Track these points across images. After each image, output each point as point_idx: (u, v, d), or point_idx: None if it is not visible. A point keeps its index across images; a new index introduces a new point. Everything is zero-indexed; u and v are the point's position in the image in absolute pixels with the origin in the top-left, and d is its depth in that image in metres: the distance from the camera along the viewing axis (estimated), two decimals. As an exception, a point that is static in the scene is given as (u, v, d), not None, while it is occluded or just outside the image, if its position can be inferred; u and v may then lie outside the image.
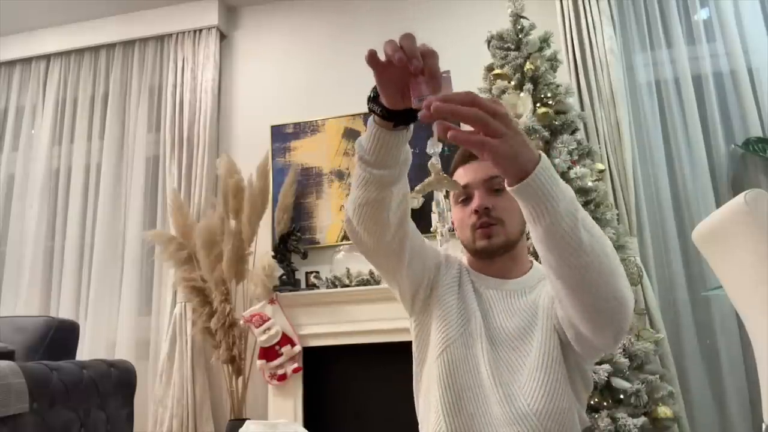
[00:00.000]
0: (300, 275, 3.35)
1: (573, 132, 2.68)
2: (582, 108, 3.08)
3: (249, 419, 3.11)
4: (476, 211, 1.14)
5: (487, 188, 1.16)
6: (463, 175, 1.18)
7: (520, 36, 2.82)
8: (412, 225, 1.11)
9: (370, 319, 2.99)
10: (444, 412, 1.06)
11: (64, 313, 3.58)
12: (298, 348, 3.08)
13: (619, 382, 2.15)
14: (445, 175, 0.89)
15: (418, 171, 3.71)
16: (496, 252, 1.16)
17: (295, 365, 3.08)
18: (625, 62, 3.23)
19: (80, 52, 4.08)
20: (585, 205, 2.51)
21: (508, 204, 1.14)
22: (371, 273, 3.12)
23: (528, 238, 1.09)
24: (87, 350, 3.44)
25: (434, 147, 0.85)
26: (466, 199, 1.18)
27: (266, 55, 3.87)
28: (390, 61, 0.79)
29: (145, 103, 3.89)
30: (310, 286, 3.28)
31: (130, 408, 2.46)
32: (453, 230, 1.26)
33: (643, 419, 2.09)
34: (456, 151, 1.23)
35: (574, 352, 1.06)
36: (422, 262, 1.16)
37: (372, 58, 0.83)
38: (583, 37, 3.18)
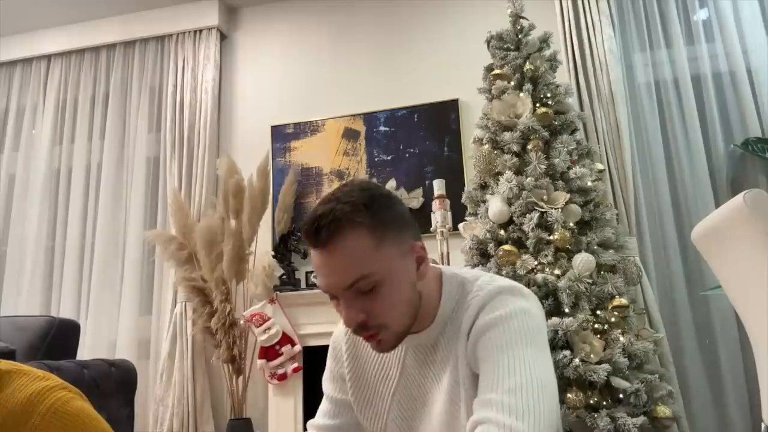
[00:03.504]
0: (300, 275, 3.36)
1: (572, 132, 2.69)
2: (581, 108, 3.08)
3: (249, 418, 3.13)
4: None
5: (354, 293, 0.90)
6: (316, 265, 0.92)
7: (519, 36, 2.83)
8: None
9: (370, 319, 2.99)
10: None
11: (65, 312, 3.59)
12: (298, 347, 3.09)
13: (618, 382, 2.15)
14: None
15: (417, 170, 3.71)
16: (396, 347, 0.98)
17: (296, 365, 3.08)
18: (624, 62, 3.24)
19: (81, 52, 4.09)
20: (584, 205, 2.51)
21: (385, 300, 0.91)
22: (371, 273, 3.12)
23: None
24: (88, 350, 3.45)
25: None
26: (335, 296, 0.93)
27: (266, 55, 3.88)
28: None
29: (145, 103, 3.90)
30: (311, 285, 3.29)
31: (131, 407, 2.46)
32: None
33: (642, 419, 2.09)
34: None
35: None
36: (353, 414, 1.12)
37: None
38: (583, 37, 3.18)
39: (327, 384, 1.14)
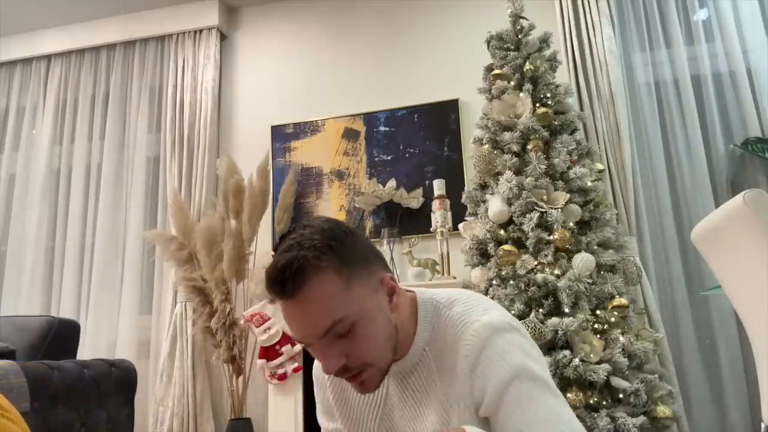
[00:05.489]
0: (300, 275, 3.35)
1: (572, 132, 2.69)
2: (581, 108, 3.08)
3: (249, 418, 3.13)
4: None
5: (331, 339, 0.87)
6: (286, 317, 0.89)
7: (519, 36, 2.83)
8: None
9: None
10: None
11: (65, 312, 3.59)
12: (298, 347, 3.08)
13: (618, 382, 2.15)
14: None
15: (417, 170, 3.71)
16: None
17: (296, 364, 3.08)
18: (624, 62, 3.24)
19: (81, 52, 4.09)
20: (584, 205, 2.52)
21: (364, 340, 0.88)
22: (371, 273, 3.12)
23: None
24: (88, 350, 3.45)
25: None
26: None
27: (266, 55, 3.88)
28: None
29: (145, 103, 3.90)
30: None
31: (131, 407, 2.46)
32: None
33: (642, 418, 2.10)
34: None
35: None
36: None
37: None
38: (583, 37, 3.19)
39: (320, 417, 1.14)
